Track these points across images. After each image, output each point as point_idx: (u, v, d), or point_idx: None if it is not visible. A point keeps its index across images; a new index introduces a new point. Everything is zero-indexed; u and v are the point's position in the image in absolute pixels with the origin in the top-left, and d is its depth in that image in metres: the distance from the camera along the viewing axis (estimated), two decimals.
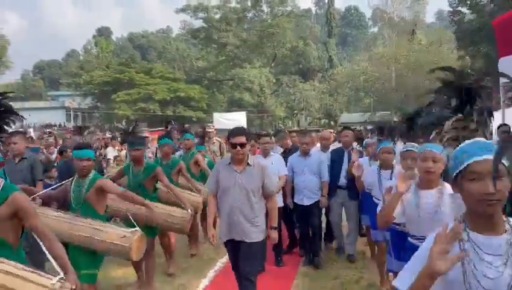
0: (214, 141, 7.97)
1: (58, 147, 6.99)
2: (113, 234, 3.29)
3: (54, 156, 6.99)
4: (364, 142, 5.95)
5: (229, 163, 3.51)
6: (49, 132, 10.34)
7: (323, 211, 5.44)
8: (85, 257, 3.28)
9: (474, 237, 1.37)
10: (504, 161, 1.30)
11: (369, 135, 10.07)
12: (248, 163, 3.47)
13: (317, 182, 5.09)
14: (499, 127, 5.79)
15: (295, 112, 42.08)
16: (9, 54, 32.13)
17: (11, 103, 2.45)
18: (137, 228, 3.44)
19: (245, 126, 28.36)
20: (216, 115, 29.85)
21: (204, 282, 4.72)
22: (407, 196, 2.58)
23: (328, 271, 4.97)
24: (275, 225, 3.58)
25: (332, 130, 11.93)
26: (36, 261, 2.80)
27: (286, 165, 5.22)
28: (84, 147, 3.50)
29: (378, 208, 2.79)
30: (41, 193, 3.59)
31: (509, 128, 5.82)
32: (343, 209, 5.39)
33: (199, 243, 5.78)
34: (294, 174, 5.16)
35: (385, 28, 43.16)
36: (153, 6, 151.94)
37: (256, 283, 3.45)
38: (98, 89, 40.49)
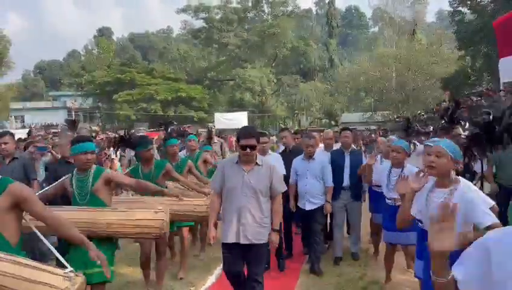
0: (215, 140, 8.03)
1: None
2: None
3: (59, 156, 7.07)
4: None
5: (237, 162, 3.38)
6: (54, 132, 10.42)
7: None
8: (103, 253, 3.20)
9: None
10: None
11: (379, 133, 10.15)
12: (257, 163, 3.37)
13: (320, 186, 4.99)
14: None
15: (296, 112, 42.19)
16: (10, 54, 32.16)
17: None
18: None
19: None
20: (217, 115, 29.95)
21: (211, 279, 4.79)
22: (420, 196, 2.56)
23: (332, 269, 5.05)
24: (277, 227, 3.46)
25: (337, 130, 11.90)
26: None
27: (284, 165, 5.11)
28: (85, 140, 3.38)
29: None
30: (38, 193, 3.32)
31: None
32: (346, 210, 5.35)
33: (204, 242, 5.83)
34: (298, 177, 5.07)
35: (385, 28, 43.20)
36: (154, 6, 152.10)
37: (264, 282, 3.42)
38: (100, 89, 40.59)
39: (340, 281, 4.65)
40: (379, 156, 4.96)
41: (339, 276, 4.80)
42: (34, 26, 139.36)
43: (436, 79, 26.32)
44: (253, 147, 3.28)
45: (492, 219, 2.26)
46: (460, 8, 23.16)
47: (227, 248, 3.38)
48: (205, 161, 5.70)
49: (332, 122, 37.05)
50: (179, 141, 5.69)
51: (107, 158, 9.62)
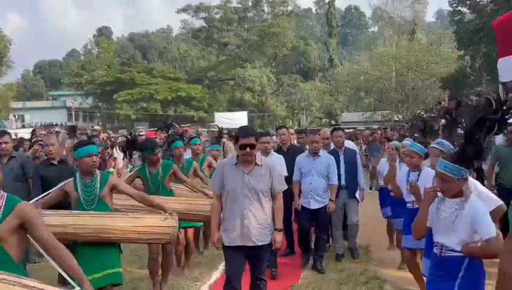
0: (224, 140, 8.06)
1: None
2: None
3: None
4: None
5: (236, 163, 3.30)
6: (57, 132, 10.45)
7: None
8: (112, 256, 3.17)
9: None
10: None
11: (381, 133, 10.16)
12: (256, 163, 3.29)
13: (325, 185, 4.91)
14: None
15: (296, 111, 42.27)
16: (10, 53, 32.20)
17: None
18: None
19: None
20: (217, 115, 30.07)
21: (216, 274, 4.87)
22: (432, 204, 2.60)
23: (333, 264, 5.14)
24: (281, 227, 3.38)
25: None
26: None
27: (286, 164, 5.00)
28: (88, 143, 3.40)
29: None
30: (38, 202, 3.26)
31: None
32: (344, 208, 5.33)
33: (208, 240, 5.89)
34: (302, 175, 4.95)
35: (385, 28, 43.30)
36: (153, 5, 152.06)
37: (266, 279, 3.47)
38: (100, 88, 40.68)
39: (341, 276, 4.73)
40: (397, 162, 4.71)
41: (341, 272, 4.88)
42: (33, 25, 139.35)
43: (435, 79, 26.42)
44: (252, 146, 3.21)
45: (491, 233, 2.35)
46: (459, 8, 23.26)
47: (231, 251, 3.29)
48: (210, 166, 5.63)
49: (332, 122, 37.10)
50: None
51: (109, 157, 9.70)
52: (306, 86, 40.44)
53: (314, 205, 4.89)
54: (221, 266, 5.00)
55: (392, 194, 4.48)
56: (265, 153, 4.93)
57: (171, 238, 3.33)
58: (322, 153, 5.02)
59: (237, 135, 3.30)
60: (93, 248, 2.99)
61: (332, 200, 4.95)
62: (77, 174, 3.30)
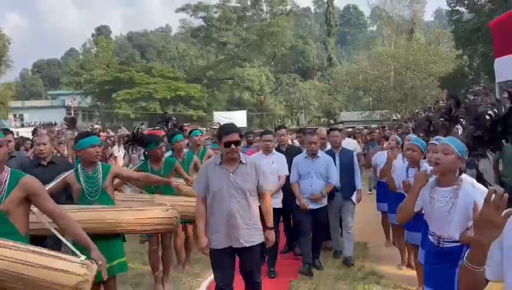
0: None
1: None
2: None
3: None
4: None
5: (220, 163, 3.21)
6: (59, 131, 10.51)
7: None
8: (118, 246, 3.26)
9: None
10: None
11: (380, 132, 10.20)
12: (241, 161, 3.21)
13: (324, 186, 4.81)
14: None
15: (295, 110, 42.34)
16: (9, 52, 32.21)
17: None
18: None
19: (245, 125, 27.84)
20: (216, 114, 30.13)
21: None
22: (424, 191, 2.59)
23: (331, 261, 5.24)
24: (272, 225, 3.34)
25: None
26: None
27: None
28: (91, 134, 3.44)
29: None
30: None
31: None
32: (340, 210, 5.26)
33: None
34: (300, 177, 4.82)
35: (384, 27, 43.42)
36: (152, 5, 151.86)
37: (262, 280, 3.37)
38: (98, 88, 40.68)
39: (339, 272, 4.83)
40: (400, 155, 4.63)
41: (339, 268, 4.98)
42: (32, 24, 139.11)
43: (434, 78, 26.50)
44: (237, 143, 3.14)
45: None
46: (457, 8, 23.34)
47: (219, 254, 3.18)
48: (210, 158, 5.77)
49: (331, 121, 37.20)
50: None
51: (110, 155, 9.76)
52: (305, 85, 40.51)
53: (312, 206, 4.79)
54: None
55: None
56: (267, 151, 4.91)
57: (173, 227, 3.46)
58: (320, 153, 4.92)
59: (220, 133, 3.22)
60: (100, 240, 3.04)
61: (323, 195, 4.79)
62: (78, 166, 3.33)
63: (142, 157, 4.82)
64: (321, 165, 4.82)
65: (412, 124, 6.57)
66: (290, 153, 5.20)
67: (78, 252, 2.33)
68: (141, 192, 4.38)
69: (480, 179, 4.14)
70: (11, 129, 6.36)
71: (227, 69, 41.26)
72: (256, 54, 41.36)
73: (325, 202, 4.87)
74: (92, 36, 63.88)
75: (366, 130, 15.00)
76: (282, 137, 5.53)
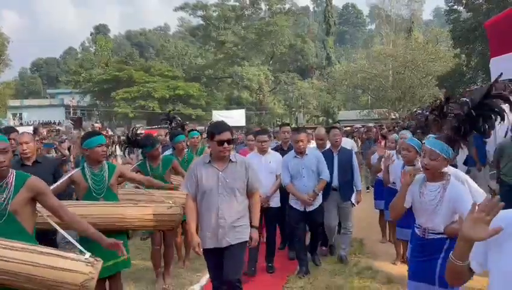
0: None
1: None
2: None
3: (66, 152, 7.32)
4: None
5: (209, 161, 3.19)
6: (58, 130, 10.65)
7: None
8: (123, 244, 3.18)
9: None
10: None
11: (377, 131, 10.33)
12: (230, 160, 3.19)
13: (318, 183, 4.63)
14: None
15: (293, 109, 42.41)
16: (8, 51, 32.23)
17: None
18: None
19: (244, 124, 27.86)
20: (215, 113, 30.23)
21: None
22: (413, 187, 2.71)
23: (327, 256, 5.36)
24: (257, 224, 3.31)
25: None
26: None
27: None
28: (98, 133, 3.52)
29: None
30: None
31: None
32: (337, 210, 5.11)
33: None
34: (292, 177, 4.61)
35: (382, 26, 43.50)
36: (150, 3, 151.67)
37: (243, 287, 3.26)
38: (97, 86, 40.71)
39: (335, 267, 4.93)
40: (394, 153, 4.66)
41: (335, 263, 5.08)
42: (30, 23, 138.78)
43: (432, 77, 26.59)
44: (230, 141, 3.13)
45: None
46: (455, 7, 23.43)
47: (209, 254, 3.22)
48: None
49: (330, 120, 37.29)
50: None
51: (110, 154, 9.85)
52: (303, 84, 40.60)
53: (308, 208, 4.62)
54: None
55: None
56: (263, 152, 4.83)
57: (176, 224, 3.58)
58: (309, 151, 4.72)
59: (211, 132, 3.19)
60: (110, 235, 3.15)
61: (315, 192, 4.58)
62: (85, 164, 3.40)
63: (141, 157, 4.90)
64: (311, 162, 4.63)
65: (411, 123, 6.66)
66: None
67: (84, 250, 2.41)
68: (137, 187, 4.46)
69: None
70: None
71: (226, 67, 41.31)
72: (255, 53, 41.41)
73: (319, 201, 4.72)
74: (90, 35, 63.92)
75: (364, 128, 15.10)
76: (286, 134, 5.44)
